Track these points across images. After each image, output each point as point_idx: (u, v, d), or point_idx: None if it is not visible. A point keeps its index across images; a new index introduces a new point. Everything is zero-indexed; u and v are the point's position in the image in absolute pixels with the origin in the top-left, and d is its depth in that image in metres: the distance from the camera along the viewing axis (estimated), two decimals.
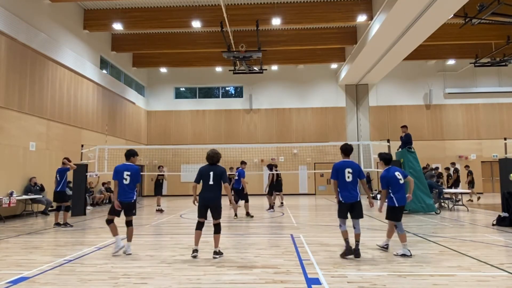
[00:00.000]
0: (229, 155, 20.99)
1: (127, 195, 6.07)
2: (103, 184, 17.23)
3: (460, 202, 13.33)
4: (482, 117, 23.58)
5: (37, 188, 12.46)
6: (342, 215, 5.82)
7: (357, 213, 5.78)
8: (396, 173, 6.03)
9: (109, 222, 6.15)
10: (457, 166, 16.79)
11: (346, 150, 6.01)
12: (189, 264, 5.37)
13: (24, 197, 11.83)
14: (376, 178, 22.75)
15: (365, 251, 6.16)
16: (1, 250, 6.56)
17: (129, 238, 6.15)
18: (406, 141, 12.37)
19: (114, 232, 6.11)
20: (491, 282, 4.41)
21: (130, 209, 6.16)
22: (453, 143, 23.48)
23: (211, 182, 5.75)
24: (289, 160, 23.37)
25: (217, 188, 5.78)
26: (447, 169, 16.67)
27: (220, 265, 5.31)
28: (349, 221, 5.80)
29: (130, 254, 5.99)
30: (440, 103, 23.84)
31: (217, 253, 5.81)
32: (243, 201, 11.50)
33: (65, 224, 9.45)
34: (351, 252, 5.64)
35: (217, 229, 5.85)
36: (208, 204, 5.79)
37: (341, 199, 5.79)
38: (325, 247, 6.49)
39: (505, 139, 12.30)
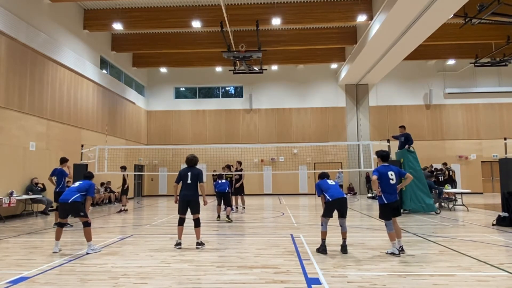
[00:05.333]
0: (229, 155, 21.02)
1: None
2: (103, 184, 17.24)
3: (459, 202, 13.32)
4: (482, 117, 23.57)
5: (39, 188, 12.46)
6: (327, 215, 6.18)
7: (345, 212, 6.18)
8: (390, 173, 5.96)
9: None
10: (452, 166, 16.53)
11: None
12: (189, 264, 5.37)
13: (24, 197, 11.83)
14: None
15: (365, 251, 6.17)
16: (1, 250, 6.56)
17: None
18: (405, 141, 12.35)
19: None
20: (491, 282, 4.41)
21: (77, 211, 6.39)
22: (453, 143, 23.48)
23: (189, 181, 6.63)
24: (289, 160, 23.38)
25: (194, 187, 6.66)
26: (435, 169, 16.51)
27: (220, 265, 5.31)
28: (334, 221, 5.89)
29: (89, 253, 6.15)
30: (440, 103, 23.84)
31: (200, 244, 6.60)
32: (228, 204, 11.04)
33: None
34: (326, 250, 5.99)
35: (197, 223, 6.65)
36: (187, 199, 6.60)
37: (328, 199, 6.16)
38: None
39: (505, 139, 12.26)
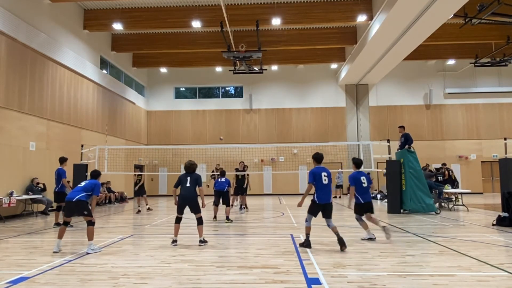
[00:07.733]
0: (229, 155, 21.01)
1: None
2: (103, 184, 17.23)
3: (459, 202, 13.32)
4: (482, 117, 23.57)
5: (39, 188, 12.46)
6: (312, 213, 6.42)
7: (330, 214, 6.42)
8: (362, 178, 7.00)
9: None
10: (452, 166, 16.55)
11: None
12: (189, 264, 5.37)
13: (25, 197, 11.83)
14: (376, 178, 22.77)
15: (365, 251, 6.17)
16: (1, 250, 6.56)
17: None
18: (405, 141, 12.34)
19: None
20: (491, 282, 4.40)
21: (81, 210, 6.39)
22: (453, 143, 23.48)
23: (188, 185, 6.91)
24: (289, 160, 23.37)
25: (193, 189, 6.92)
26: (435, 169, 16.53)
27: (220, 265, 5.31)
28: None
29: (89, 253, 6.14)
30: (440, 103, 23.84)
31: (202, 241, 6.79)
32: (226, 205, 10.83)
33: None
34: (310, 244, 6.34)
35: (199, 221, 6.90)
36: (186, 201, 6.85)
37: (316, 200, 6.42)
38: (325, 247, 6.48)
39: (505, 139, 12.26)
